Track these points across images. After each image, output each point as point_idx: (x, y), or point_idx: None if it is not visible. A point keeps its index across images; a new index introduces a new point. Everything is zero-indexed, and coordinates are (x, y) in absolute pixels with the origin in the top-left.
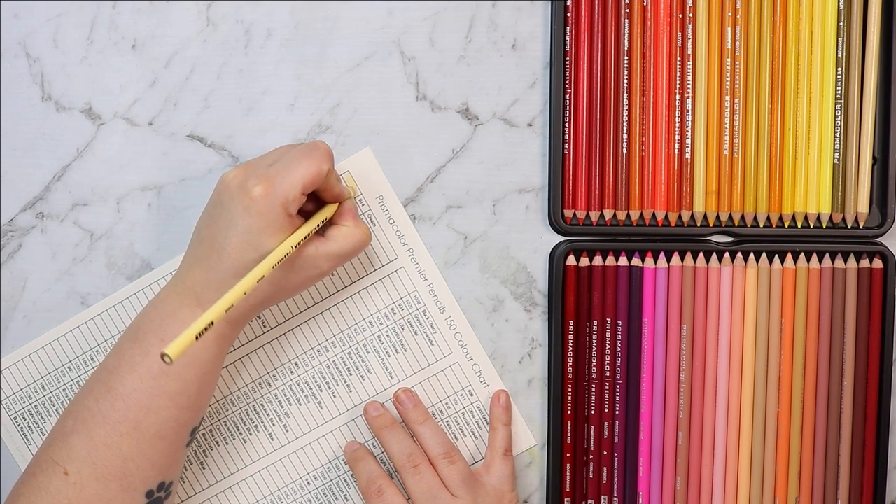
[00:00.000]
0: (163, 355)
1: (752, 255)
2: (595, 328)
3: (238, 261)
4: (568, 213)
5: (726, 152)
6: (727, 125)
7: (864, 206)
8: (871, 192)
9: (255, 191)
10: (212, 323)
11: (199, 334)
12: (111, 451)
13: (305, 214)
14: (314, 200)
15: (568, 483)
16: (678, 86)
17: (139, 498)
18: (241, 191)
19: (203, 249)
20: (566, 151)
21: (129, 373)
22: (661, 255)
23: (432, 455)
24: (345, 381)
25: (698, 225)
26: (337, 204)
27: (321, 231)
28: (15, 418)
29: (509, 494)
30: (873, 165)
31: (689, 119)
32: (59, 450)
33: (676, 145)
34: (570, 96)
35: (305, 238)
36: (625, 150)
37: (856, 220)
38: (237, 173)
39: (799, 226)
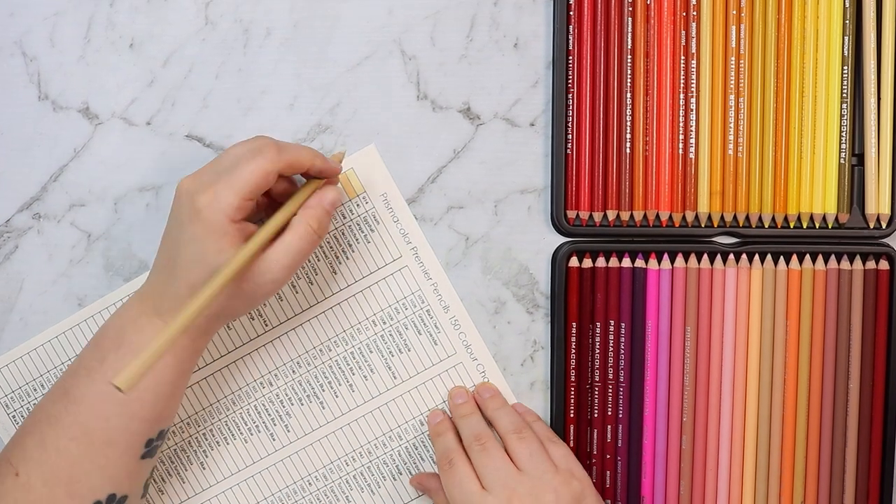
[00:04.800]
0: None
1: (756, 257)
2: (598, 330)
3: (188, 271)
4: (571, 213)
5: (731, 152)
6: (732, 125)
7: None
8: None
9: (200, 201)
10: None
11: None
12: (59, 455)
13: (286, 197)
14: (289, 182)
15: None
16: (682, 85)
17: None
18: (189, 200)
19: (162, 259)
20: (569, 151)
21: (85, 377)
22: (665, 256)
23: (503, 432)
24: (347, 381)
25: (702, 226)
26: (312, 187)
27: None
28: (13, 416)
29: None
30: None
31: (693, 118)
32: (15, 450)
33: (680, 145)
34: (572, 96)
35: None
36: (628, 150)
37: None
38: (188, 182)
39: (804, 226)
